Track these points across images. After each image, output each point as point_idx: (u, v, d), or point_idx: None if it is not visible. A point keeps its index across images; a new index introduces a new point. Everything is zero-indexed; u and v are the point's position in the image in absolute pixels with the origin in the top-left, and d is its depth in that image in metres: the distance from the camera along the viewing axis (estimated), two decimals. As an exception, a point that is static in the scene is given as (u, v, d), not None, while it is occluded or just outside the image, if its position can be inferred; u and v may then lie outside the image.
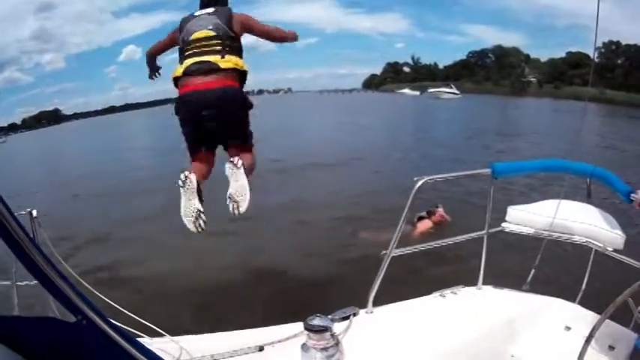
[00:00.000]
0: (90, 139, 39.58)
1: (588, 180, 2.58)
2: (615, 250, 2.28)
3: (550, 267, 4.31)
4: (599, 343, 1.62)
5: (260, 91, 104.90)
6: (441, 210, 7.05)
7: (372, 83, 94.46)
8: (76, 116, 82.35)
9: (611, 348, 1.97)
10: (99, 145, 31.54)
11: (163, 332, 1.82)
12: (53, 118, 78.64)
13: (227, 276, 5.48)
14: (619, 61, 59.53)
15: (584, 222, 2.43)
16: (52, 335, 1.40)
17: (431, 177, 2.29)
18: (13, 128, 67.21)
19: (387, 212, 6.27)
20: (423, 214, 7.00)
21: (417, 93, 67.56)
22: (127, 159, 20.53)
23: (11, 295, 1.83)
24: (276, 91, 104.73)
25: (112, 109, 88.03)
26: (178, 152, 3.12)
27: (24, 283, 1.80)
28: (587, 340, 1.56)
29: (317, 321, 1.78)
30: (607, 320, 1.57)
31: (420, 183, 2.20)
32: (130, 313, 1.85)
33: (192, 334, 1.96)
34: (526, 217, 2.67)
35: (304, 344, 1.79)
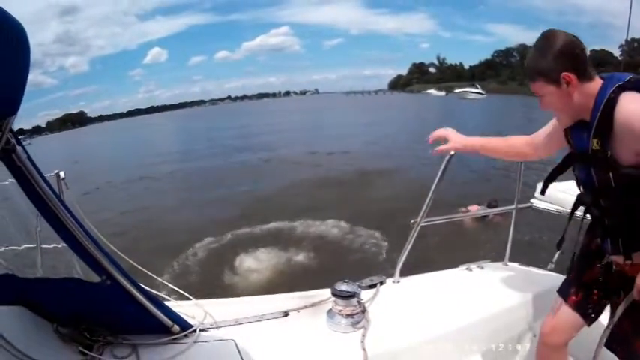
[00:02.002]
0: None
1: None
2: None
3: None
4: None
5: (287, 93, 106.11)
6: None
7: (397, 84, 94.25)
8: (102, 119, 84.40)
9: None
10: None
11: (188, 295, 1.80)
12: (79, 120, 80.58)
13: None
14: (642, 59, 57.72)
15: None
16: (75, 296, 1.38)
17: None
18: (37, 131, 68.47)
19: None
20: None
21: (443, 93, 67.37)
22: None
23: (35, 257, 1.83)
24: (302, 92, 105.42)
25: (137, 112, 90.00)
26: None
27: (52, 245, 1.79)
28: (608, 325, 1.52)
29: (345, 287, 1.74)
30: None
31: (452, 152, 2.14)
32: (154, 275, 1.84)
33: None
34: (556, 195, 2.59)
35: (330, 310, 1.74)
